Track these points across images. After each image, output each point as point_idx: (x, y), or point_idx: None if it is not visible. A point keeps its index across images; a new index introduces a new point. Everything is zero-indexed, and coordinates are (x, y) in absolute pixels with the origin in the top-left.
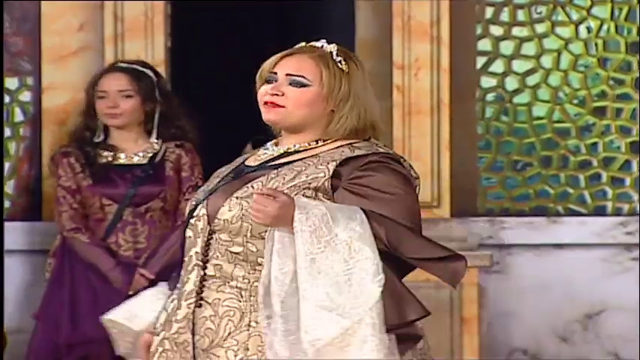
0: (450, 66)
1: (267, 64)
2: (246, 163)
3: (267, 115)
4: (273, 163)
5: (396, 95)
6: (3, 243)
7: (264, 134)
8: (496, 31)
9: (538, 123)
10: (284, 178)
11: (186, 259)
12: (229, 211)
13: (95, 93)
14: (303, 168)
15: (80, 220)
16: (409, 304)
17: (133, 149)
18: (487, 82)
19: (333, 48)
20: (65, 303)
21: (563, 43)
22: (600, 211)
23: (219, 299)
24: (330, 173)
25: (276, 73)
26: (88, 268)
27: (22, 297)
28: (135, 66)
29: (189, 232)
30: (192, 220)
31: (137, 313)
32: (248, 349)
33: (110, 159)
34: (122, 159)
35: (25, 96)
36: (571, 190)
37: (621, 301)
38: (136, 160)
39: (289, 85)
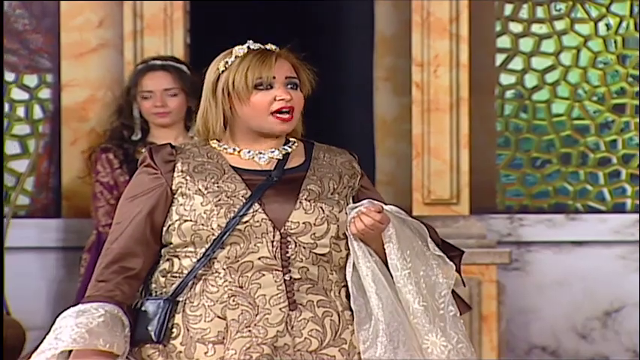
0: (469, 63)
1: (262, 70)
2: (244, 167)
3: (282, 126)
4: (289, 166)
5: (415, 92)
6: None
7: None
8: (515, 28)
9: (557, 120)
10: (333, 180)
11: (234, 266)
12: (307, 214)
13: (137, 93)
14: (335, 169)
15: None
16: (460, 302)
17: None
18: (506, 79)
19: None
20: None
21: (583, 40)
22: (619, 209)
23: (313, 301)
24: (360, 172)
25: (274, 78)
26: None
27: (41, 294)
28: (172, 63)
29: (234, 240)
30: (240, 227)
31: (111, 338)
32: (355, 347)
33: None
34: None
35: (45, 93)
36: (590, 188)
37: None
38: None
39: (287, 88)
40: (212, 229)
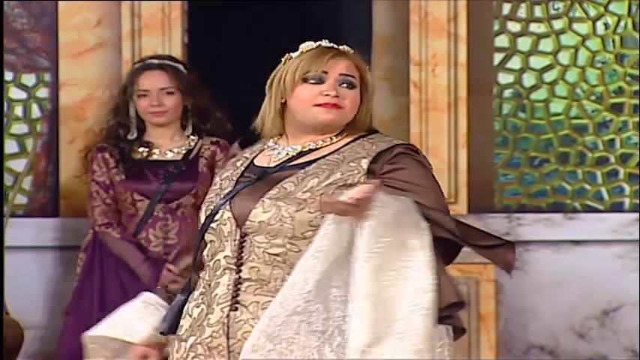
0: (468, 62)
1: (312, 64)
2: (257, 163)
3: (327, 115)
4: (295, 162)
5: (413, 91)
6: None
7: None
8: (513, 27)
9: (555, 119)
10: (318, 177)
11: (210, 263)
12: (264, 212)
13: (134, 92)
14: (335, 166)
15: (112, 216)
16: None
17: (167, 145)
18: (504, 78)
19: (349, 49)
20: (95, 298)
21: (581, 40)
22: (617, 208)
23: (258, 302)
24: (365, 170)
25: (326, 73)
26: (119, 264)
27: (39, 293)
28: (168, 62)
29: (211, 237)
30: (213, 225)
31: (134, 326)
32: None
33: (145, 155)
34: (156, 155)
35: (43, 92)
36: (588, 187)
37: (638, 297)
38: (169, 156)
39: (341, 86)
40: (200, 226)
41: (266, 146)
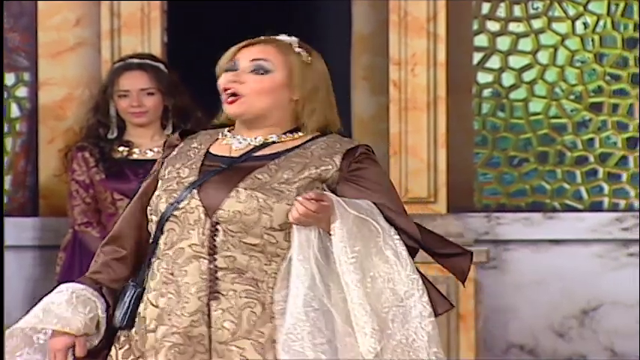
0: (447, 61)
1: (226, 55)
2: (216, 152)
3: (230, 109)
4: (260, 153)
5: (393, 91)
6: (3, 239)
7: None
8: (492, 26)
9: (534, 119)
10: (292, 170)
11: (169, 252)
12: (239, 202)
13: (114, 92)
14: (306, 160)
15: (92, 215)
16: (437, 299)
17: (148, 145)
18: (483, 77)
19: (293, 40)
20: None
21: (560, 39)
22: (597, 207)
23: (236, 291)
24: (338, 166)
25: (236, 61)
26: None
27: (18, 292)
28: (149, 61)
29: (171, 226)
30: (176, 213)
31: (67, 317)
32: (275, 342)
33: (125, 154)
34: (136, 154)
35: (22, 91)
36: (567, 186)
37: (617, 296)
38: (149, 155)
39: (251, 73)
40: (157, 214)
41: (221, 136)
